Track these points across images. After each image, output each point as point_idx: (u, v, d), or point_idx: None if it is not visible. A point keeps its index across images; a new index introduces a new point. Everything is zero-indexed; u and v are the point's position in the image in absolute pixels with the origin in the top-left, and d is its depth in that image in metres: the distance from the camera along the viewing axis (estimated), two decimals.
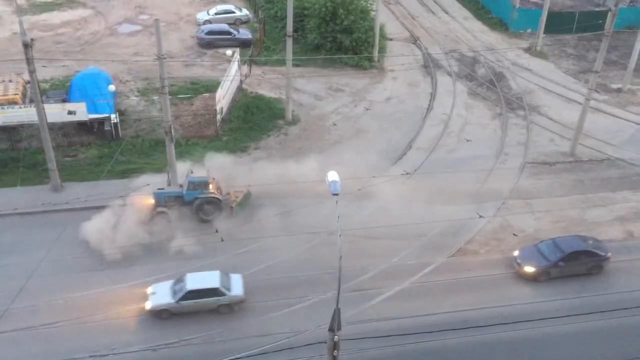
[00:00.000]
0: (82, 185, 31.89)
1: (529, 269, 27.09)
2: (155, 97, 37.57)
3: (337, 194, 18.65)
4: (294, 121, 38.82)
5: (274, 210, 30.35)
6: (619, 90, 43.06)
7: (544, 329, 23.35)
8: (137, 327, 24.36)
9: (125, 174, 32.56)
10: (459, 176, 33.50)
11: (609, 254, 27.45)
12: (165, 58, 27.59)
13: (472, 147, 36.84)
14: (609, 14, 33.85)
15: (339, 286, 18.08)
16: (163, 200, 29.79)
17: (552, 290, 26.61)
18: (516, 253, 28.01)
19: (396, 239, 28.71)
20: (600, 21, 43.56)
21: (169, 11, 52.19)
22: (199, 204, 29.85)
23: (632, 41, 42.30)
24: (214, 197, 30.00)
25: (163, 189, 30.11)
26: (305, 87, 42.64)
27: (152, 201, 29.64)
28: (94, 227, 27.97)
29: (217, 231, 29.09)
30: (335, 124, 38.98)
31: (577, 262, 27.10)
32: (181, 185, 30.35)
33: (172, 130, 29.42)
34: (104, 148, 35.01)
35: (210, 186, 30.20)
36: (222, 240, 28.43)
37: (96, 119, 35.30)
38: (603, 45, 33.42)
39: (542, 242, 28.17)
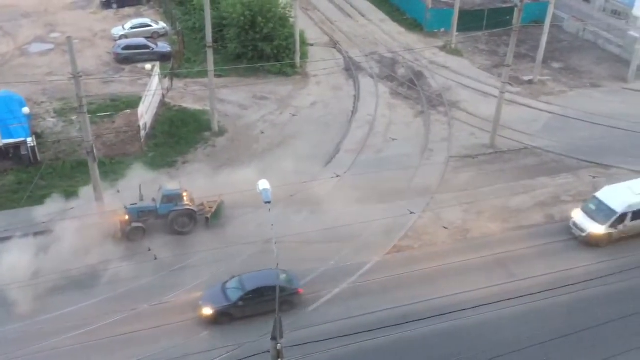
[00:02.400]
0: (1, 215, 30.40)
1: (207, 311, 24.94)
2: (74, 117, 36.30)
3: (269, 202, 18.71)
4: (221, 132, 38.49)
5: (191, 225, 30.02)
6: (530, 82, 45.25)
7: (478, 316, 24.15)
8: None
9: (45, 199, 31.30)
10: (388, 175, 34.21)
11: (300, 289, 25.98)
12: (81, 76, 26.73)
13: (398, 146, 37.73)
14: (516, 10, 35.50)
15: (277, 294, 18.11)
16: (137, 216, 29.26)
17: (478, 279, 27.59)
18: (201, 293, 25.92)
19: (332, 242, 28.99)
20: (508, 17, 45.55)
21: (82, 28, 50.59)
22: (174, 217, 29.49)
23: (539, 35, 44.53)
24: (189, 209, 29.70)
25: (136, 204, 29.54)
26: (229, 97, 42.37)
27: (125, 217, 28.99)
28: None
29: (149, 249, 28.44)
30: (262, 132, 38.94)
31: (261, 300, 24.91)
32: (154, 199, 29.92)
33: (94, 150, 28.53)
34: (22, 174, 33.50)
35: (185, 198, 29.85)
36: (156, 259, 27.85)
37: (11, 144, 33.78)
38: (512, 40, 35.08)
39: (232, 279, 26.23)
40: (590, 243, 29.35)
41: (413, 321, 21.94)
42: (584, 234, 29.51)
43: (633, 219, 29.31)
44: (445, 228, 30.71)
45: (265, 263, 25.65)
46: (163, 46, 46.90)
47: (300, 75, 46.26)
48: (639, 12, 47.22)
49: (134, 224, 29.18)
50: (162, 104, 40.29)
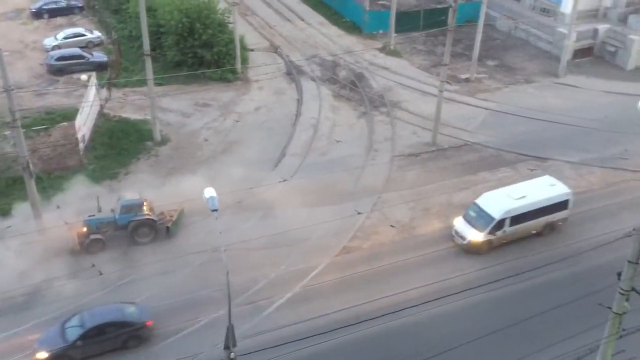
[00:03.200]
0: None
1: (42, 355, 22.81)
2: (7, 132, 34.85)
3: (216, 210, 18.53)
4: (164, 141, 37.82)
5: (152, 234, 29.47)
6: (467, 80, 46.49)
7: (430, 311, 24.56)
8: None
9: None
10: (334, 176, 34.46)
11: (149, 321, 24.33)
12: (13, 89, 25.79)
13: (343, 147, 38.05)
14: (450, 10, 36.44)
15: (229, 302, 17.93)
16: (95, 227, 28.50)
17: (427, 275, 28.14)
18: (38, 336, 23.78)
19: (282, 246, 28.94)
20: (444, 17, 46.69)
21: (12, 39, 48.64)
22: (134, 227, 28.87)
23: (473, 34, 45.83)
24: (150, 219, 29.12)
25: (94, 215, 28.70)
26: (171, 106, 41.71)
27: (84, 229, 28.15)
28: None
29: (93, 265, 27.60)
30: (206, 140, 38.50)
31: (103, 338, 23.48)
32: (113, 210, 29.15)
33: (30, 166, 27.54)
34: None
35: (145, 207, 29.22)
36: (101, 274, 27.06)
37: None
38: (448, 39, 35.98)
39: (73, 316, 24.29)
40: (471, 251, 29.25)
41: (365, 320, 22.14)
42: (464, 242, 29.37)
43: (512, 224, 29.33)
44: (393, 226, 31.17)
45: (214, 272, 25.36)
46: (99, 56, 45.70)
47: (242, 80, 45.99)
48: (566, 9, 49.22)
49: (93, 236, 28.39)
50: (101, 114, 39.26)
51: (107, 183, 33.49)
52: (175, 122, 40.23)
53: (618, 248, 19.89)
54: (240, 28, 48.31)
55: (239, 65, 46.12)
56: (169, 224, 29.73)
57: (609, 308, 18.24)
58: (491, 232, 29.14)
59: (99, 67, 44.25)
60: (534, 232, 30.33)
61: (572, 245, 29.19)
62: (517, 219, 29.41)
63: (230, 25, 46.30)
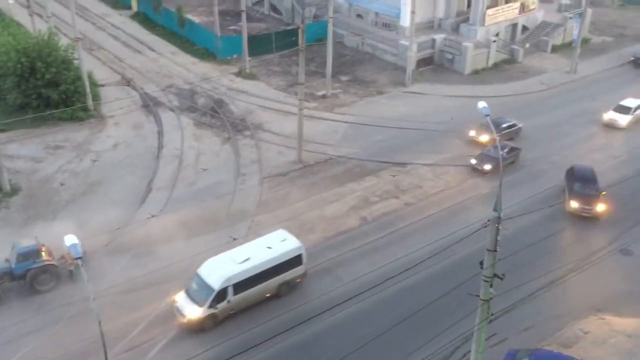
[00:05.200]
0: None
1: None
2: None
3: (80, 258, 17.62)
4: (14, 191, 35.01)
5: (11, 294, 27.17)
6: (324, 97, 48.09)
7: (315, 327, 24.88)
8: None
9: None
10: (206, 205, 34.00)
11: None
12: None
13: (211, 175, 37.60)
14: (299, 31, 37.55)
15: (105, 353, 17.02)
16: None
17: (309, 289, 28.55)
18: None
19: (160, 284, 27.89)
20: (294, 38, 48.01)
21: None
22: (33, 275, 26.61)
23: (325, 52, 47.60)
24: (50, 264, 26.90)
25: None
26: (19, 152, 38.80)
27: None
28: None
29: None
30: (63, 184, 36.20)
31: None
32: (7, 260, 26.86)
33: None
34: None
35: (43, 253, 26.91)
36: None
37: None
38: (301, 59, 37.04)
39: None
40: (194, 329, 25.67)
41: (252, 347, 21.97)
42: (185, 320, 25.70)
43: (236, 292, 26.16)
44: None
45: (87, 322, 23.81)
46: None
47: (95, 118, 43.94)
48: (405, 22, 52.73)
49: None
50: None
51: None
52: (26, 168, 37.46)
53: (478, 239, 21.43)
54: (88, 63, 46.31)
55: (90, 102, 44.03)
56: (72, 267, 27.67)
57: (477, 296, 19.63)
58: (212, 305, 25.71)
59: None
60: (269, 295, 27.44)
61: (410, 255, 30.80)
62: (241, 285, 26.23)
63: (76, 62, 44.09)
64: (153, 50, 56.33)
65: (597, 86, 50.08)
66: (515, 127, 41.49)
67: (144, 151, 40.22)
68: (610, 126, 43.67)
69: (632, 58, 53.90)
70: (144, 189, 35.99)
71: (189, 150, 40.47)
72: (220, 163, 39.09)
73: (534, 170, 38.37)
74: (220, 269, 26.49)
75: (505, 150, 37.70)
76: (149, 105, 46.13)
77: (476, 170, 37.70)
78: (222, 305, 26.05)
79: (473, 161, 37.92)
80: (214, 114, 45.06)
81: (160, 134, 42.39)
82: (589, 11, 55.45)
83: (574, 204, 33.48)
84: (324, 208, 34.55)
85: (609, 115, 43.89)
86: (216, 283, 25.98)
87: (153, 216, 32.76)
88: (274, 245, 28.08)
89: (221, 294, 25.93)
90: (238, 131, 42.89)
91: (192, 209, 33.47)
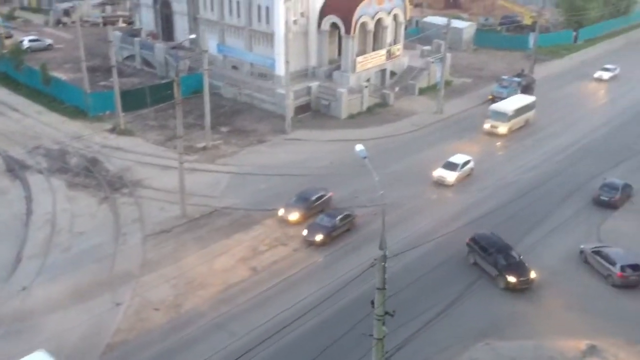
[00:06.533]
0: None
1: None
2: None
3: None
4: None
5: None
6: (204, 148, 47.47)
7: None
8: None
9: None
10: (84, 271, 32.03)
11: None
12: None
13: (88, 238, 35.45)
14: (174, 83, 37.04)
15: None
16: None
17: (201, 350, 27.44)
18: None
19: None
20: (169, 91, 47.17)
21: None
22: None
23: (202, 104, 47.24)
24: None
25: None
26: None
27: None
28: None
29: None
30: None
31: None
32: None
33: None
34: None
35: None
36: None
37: None
38: (178, 112, 36.47)
39: None
40: None
41: None
42: None
43: None
44: (157, 309, 29.75)
45: None
46: None
47: None
48: (280, 72, 53.86)
49: None
50: None
51: None
52: None
53: (368, 279, 21.78)
54: None
55: None
56: None
57: (371, 335, 19.80)
58: None
59: None
60: None
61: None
62: None
63: None
64: (17, 111, 53.00)
65: (462, 124, 53.67)
66: (326, 197, 38.53)
67: (10, 219, 37.25)
68: (440, 183, 42.26)
69: (489, 96, 58.60)
70: (12, 259, 33.14)
71: (62, 213, 38.02)
72: (97, 224, 37.02)
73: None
74: None
75: (339, 218, 35.68)
76: (14, 169, 43.02)
77: (359, 209, 38.38)
78: None
79: (304, 232, 35.30)
80: (88, 174, 42.86)
81: (28, 199, 39.52)
82: (448, 56, 59.82)
83: (511, 279, 31.26)
84: (213, 262, 33.66)
85: (438, 173, 42.55)
86: None
87: (24, 288, 30.15)
88: None
89: None
90: (116, 190, 41.02)
91: (69, 276, 31.33)
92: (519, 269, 31.82)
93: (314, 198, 38.02)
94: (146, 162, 44.85)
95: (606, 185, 40.48)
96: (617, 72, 66.80)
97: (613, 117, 56.57)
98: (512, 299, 31.19)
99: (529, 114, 53.42)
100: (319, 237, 34.85)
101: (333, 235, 35.35)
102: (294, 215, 37.07)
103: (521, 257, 32.65)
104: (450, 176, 42.47)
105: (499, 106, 51.99)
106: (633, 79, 66.64)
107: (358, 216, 37.35)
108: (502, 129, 50.73)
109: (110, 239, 35.48)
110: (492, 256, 32.44)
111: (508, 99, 54.45)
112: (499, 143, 50.07)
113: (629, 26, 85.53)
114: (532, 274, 31.82)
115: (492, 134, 50.97)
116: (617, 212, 39.38)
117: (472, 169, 44.08)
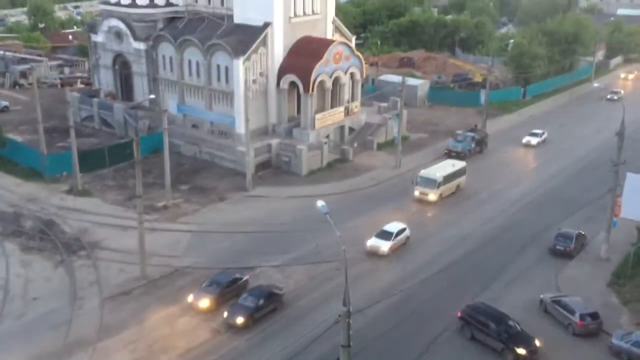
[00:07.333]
0: None
1: None
2: None
3: None
4: None
5: None
6: (165, 207, 46.95)
7: None
8: None
9: None
10: (38, 339, 30.76)
11: None
12: None
13: (42, 304, 34.23)
14: (134, 143, 36.91)
15: None
16: None
17: None
18: None
19: None
20: (128, 151, 46.97)
21: None
22: None
23: (162, 163, 46.98)
24: None
25: None
26: None
27: None
28: None
29: None
30: None
31: None
32: None
33: None
34: None
35: None
36: None
37: None
38: (137, 171, 36.22)
39: None
40: None
41: None
42: None
43: None
44: None
45: None
46: None
47: None
48: (240, 129, 54.29)
49: None
50: None
51: None
52: None
53: (333, 335, 21.59)
54: None
55: None
56: None
57: None
58: None
59: None
60: None
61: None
62: None
63: None
64: None
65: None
66: (241, 281, 35.84)
67: None
68: (373, 254, 40.16)
69: (445, 151, 60.15)
70: None
71: (16, 278, 36.74)
72: (53, 289, 35.85)
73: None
74: None
75: (262, 299, 33.27)
76: None
77: (322, 265, 38.23)
78: None
79: (225, 314, 32.85)
80: (44, 237, 41.74)
81: None
82: (405, 112, 61.50)
83: (521, 351, 29.93)
84: (174, 323, 32.85)
85: (371, 242, 40.34)
86: None
87: None
88: None
89: None
90: (72, 252, 39.98)
91: (21, 347, 30.01)
92: (525, 339, 30.60)
93: (226, 282, 34.97)
94: (105, 222, 44.01)
95: (561, 235, 41.61)
96: (544, 136, 65.04)
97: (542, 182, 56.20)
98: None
99: (460, 180, 51.06)
100: (239, 320, 32.16)
101: (256, 317, 32.75)
102: (204, 303, 33.69)
103: (519, 325, 31.38)
104: (385, 246, 40.07)
105: (427, 172, 49.45)
106: (563, 142, 64.72)
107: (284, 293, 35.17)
108: (432, 196, 48.18)
109: (66, 303, 34.35)
110: (491, 328, 30.94)
111: (437, 165, 51.93)
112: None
113: (574, 82, 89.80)
114: (537, 343, 30.67)
115: (422, 201, 48.46)
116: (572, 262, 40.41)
117: (407, 237, 41.73)
